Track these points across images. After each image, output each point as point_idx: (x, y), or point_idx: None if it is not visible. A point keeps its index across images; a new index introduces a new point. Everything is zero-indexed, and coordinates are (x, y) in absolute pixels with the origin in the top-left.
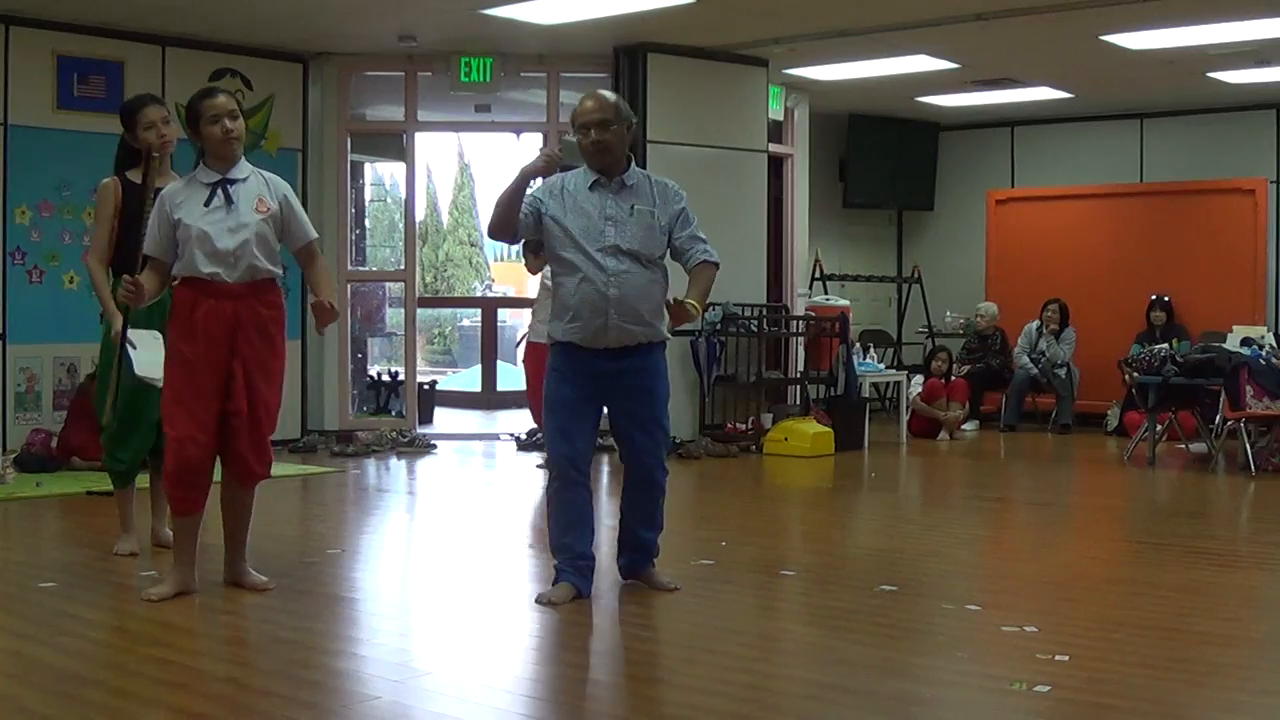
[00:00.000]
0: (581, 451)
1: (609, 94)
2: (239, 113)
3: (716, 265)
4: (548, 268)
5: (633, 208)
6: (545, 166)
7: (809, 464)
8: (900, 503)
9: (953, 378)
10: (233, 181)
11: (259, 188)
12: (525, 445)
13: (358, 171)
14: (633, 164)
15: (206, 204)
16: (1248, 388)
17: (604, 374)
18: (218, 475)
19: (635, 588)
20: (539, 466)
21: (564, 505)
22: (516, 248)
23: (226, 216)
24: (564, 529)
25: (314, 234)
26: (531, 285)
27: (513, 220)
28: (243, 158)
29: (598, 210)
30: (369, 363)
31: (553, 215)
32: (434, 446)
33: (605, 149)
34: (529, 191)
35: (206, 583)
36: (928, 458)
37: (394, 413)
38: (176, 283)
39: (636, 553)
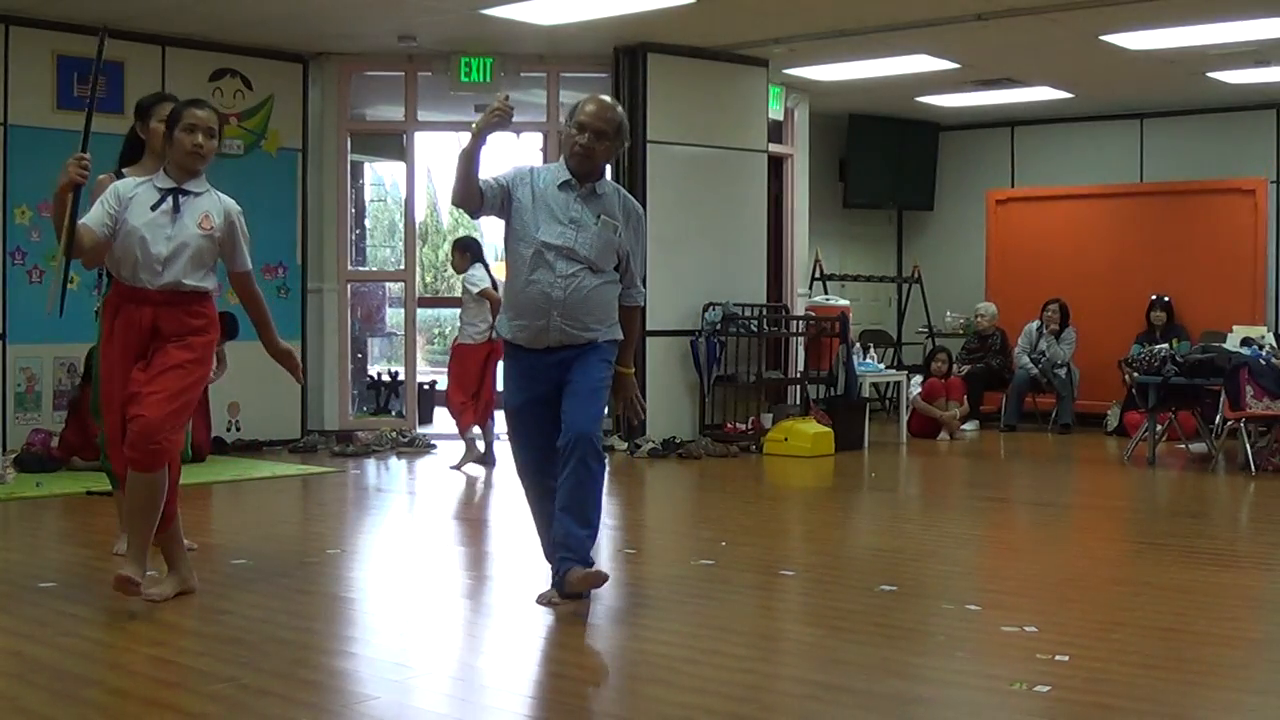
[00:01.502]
0: (542, 454)
1: (617, 108)
2: (216, 133)
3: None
4: (472, 272)
5: (599, 217)
6: (501, 118)
7: (809, 464)
8: (900, 503)
9: (950, 377)
10: (186, 193)
11: (209, 205)
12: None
13: (358, 171)
14: (606, 174)
15: (153, 207)
16: (1248, 388)
17: (549, 367)
18: (211, 476)
19: (635, 587)
20: (453, 468)
21: (540, 510)
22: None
23: (168, 224)
24: (547, 531)
25: (248, 266)
26: None
27: (473, 182)
28: (203, 176)
29: (563, 210)
30: (369, 363)
31: (519, 200)
32: (434, 446)
33: (590, 156)
34: (502, 172)
35: (206, 583)
36: (928, 458)
37: (394, 413)
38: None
39: (565, 551)
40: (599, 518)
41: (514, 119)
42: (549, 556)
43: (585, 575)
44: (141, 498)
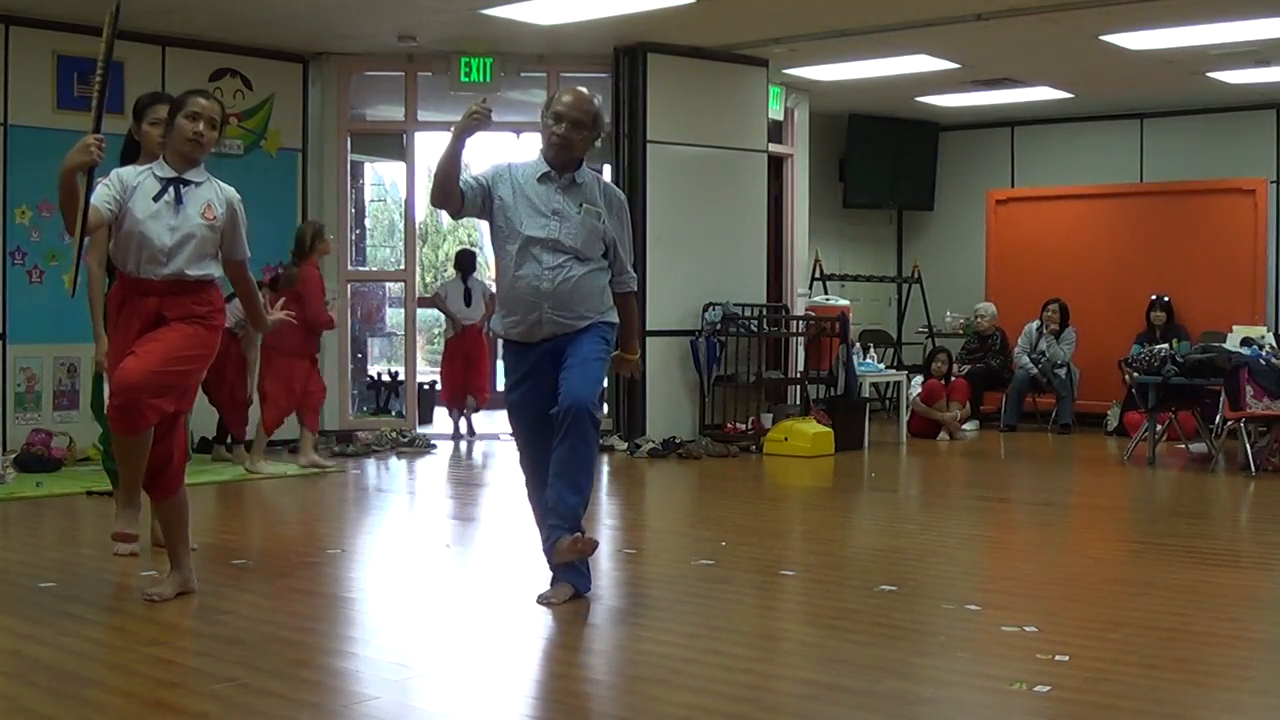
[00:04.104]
0: (547, 449)
1: (593, 98)
2: (218, 124)
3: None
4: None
5: (581, 205)
6: (478, 121)
7: (809, 464)
8: (900, 503)
9: (953, 378)
10: (187, 183)
11: (211, 194)
12: None
13: (358, 171)
14: (583, 164)
15: (155, 198)
16: (1248, 388)
17: (544, 355)
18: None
19: (635, 587)
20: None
21: (540, 502)
22: None
23: (171, 215)
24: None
25: (246, 254)
26: None
27: (452, 185)
28: (202, 165)
29: (544, 203)
30: (369, 363)
31: (501, 197)
32: (434, 446)
33: (567, 147)
34: (481, 171)
35: (206, 583)
36: (928, 458)
37: (394, 413)
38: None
39: (556, 519)
40: (590, 485)
41: (513, 120)
42: (549, 554)
43: (573, 542)
44: (121, 457)
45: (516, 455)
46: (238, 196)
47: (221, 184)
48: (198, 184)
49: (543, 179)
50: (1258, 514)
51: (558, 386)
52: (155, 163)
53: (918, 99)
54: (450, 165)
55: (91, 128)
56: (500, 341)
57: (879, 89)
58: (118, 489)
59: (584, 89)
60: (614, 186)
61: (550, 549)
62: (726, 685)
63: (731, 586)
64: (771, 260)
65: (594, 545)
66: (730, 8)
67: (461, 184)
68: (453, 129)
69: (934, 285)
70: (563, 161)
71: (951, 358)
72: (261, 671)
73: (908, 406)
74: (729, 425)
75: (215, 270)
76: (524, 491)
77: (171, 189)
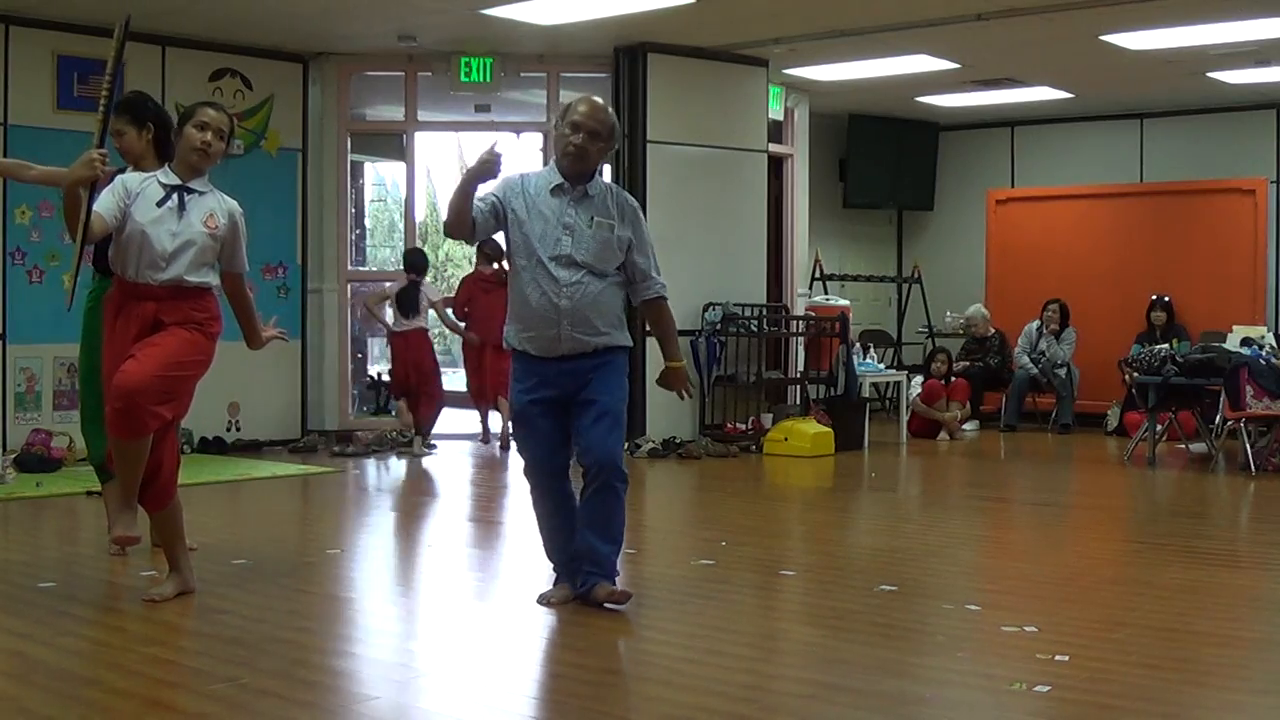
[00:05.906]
0: (550, 455)
1: (609, 110)
2: (225, 135)
3: (666, 297)
4: None
5: (593, 219)
6: (488, 168)
7: (809, 464)
8: (900, 503)
9: (953, 378)
10: (190, 191)
11: (214, 205)
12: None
13: (358, 171)
14: (596, 175)
15: (159, 204)
16: (1248, 388)
17: (561, 374)
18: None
19: (635, 587)
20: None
21: (545, 510)
22: None
23: (174, 221)
24: (551, 532)
25: (245, 268)
26: None
27: (465, 218)
28: (207, 176)
29: (556, 216)
30: (369, 363)
31: (514, 211)
32: (434, 446)
33: (583, 157)
34: (490, 189)
35: (206, 583)
36: (928, 458)
37: (394, 413)
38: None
39: (591, 566)
40: (623, 533)
41: (513, 120)
42: (550, 555)
43: (610, 593)
44: (120, 461)
45: (522, 465)
46: (240, 210)
47: (225, 196)
48: (201, 193)
49: (555, 191)
50: (1258, 514)
51: (569, 412)
52: (161, 170)
53: (918, 99)
54: (463, 203)
55: (95, 141)
56: (512, 351)
57: (879, 89)
58: (107, 485)
59: (599, 99)
60: (626, 194)
61: (585, 595)
62: (726, 685)
63: (731, 586)
64: (771, 260)
65: (628, 597)
66: (730, 8)
67: (473, 210)
68: (464, 171)
69: (934, 285)
70: (577, 171)
71: (951, 358)
72: (261, 671)
73: (908, 406)
74: (729, 425)
75: (213, 279)
76: (529, 497)
77: (175, 196)
